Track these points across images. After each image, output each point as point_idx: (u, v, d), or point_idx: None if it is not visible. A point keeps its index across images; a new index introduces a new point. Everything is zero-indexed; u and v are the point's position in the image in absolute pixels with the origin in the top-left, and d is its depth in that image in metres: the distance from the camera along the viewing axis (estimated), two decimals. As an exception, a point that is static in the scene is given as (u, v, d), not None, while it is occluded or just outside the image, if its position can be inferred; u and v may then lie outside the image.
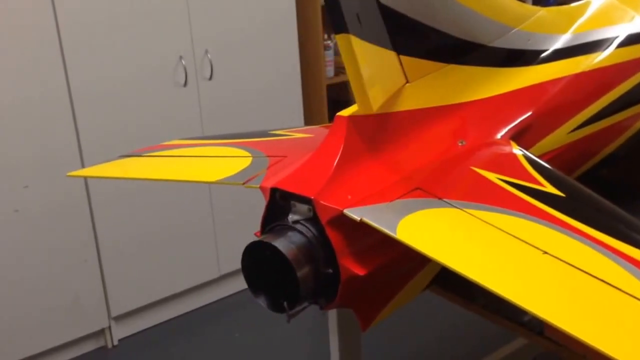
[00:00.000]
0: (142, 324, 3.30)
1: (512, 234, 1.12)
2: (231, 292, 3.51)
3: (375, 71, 1.22)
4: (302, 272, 1.15)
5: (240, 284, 3.43)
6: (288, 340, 3.11)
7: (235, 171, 1.40)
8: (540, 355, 2.63)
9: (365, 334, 1.36)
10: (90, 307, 3.08)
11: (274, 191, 1.22)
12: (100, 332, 3.18)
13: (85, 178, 2.87)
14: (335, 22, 1.13)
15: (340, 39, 1.15)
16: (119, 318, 3.20)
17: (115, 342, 3.21)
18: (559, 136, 1.49)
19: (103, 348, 3.19)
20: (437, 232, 1.13)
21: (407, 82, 1.30)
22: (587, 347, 0.89)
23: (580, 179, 1.54)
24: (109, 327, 3.18)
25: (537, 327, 1.49)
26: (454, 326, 3.07)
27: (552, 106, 1.49)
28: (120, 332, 3.23)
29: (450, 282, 1.38)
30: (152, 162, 1.68)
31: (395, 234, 1.08)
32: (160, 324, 3.34)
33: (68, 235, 2.93)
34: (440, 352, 3.01)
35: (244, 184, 1.34)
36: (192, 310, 3.43)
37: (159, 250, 3.22)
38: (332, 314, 1.94)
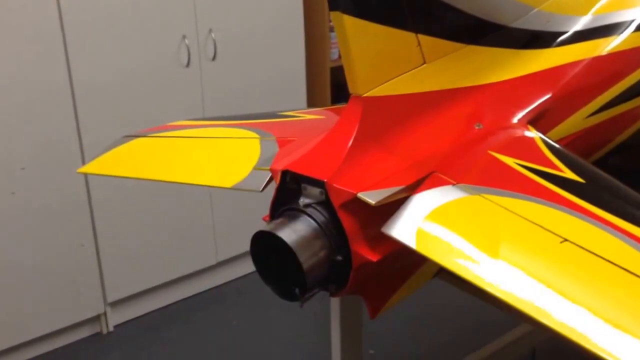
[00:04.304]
0: (138, 310, 3.26)
1: (532, 220, 1.09)
2: (228, 279, 3.46)
3: (375, 51, 1.18)
4: (308, 263, 1.12)
5: (237, 271, 3.40)
6: (286, 328, 3.08)
7: (247, 171, 1.36)
8: (540, 343, 2.61)
9: (367, 320, 1.33)
10: (86, 293, 3.03)
11: (284, 174, 1.19)
12: (96, 318, 3.13)
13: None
14: None
15: (333, 16, 1.11)
16: (115, 304, 3.15)
17: (111, 328, 3.16)
18: (576, 121, 1.46)
19: (98, 334, 3.15)
20: (456, 237, 1.10)
21: (425, 62, 1.26)
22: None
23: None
24: (105, 313, 3.13)
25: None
26: (454, 314, 3.05)
27: (570, 90, 1.45)
28: (116, 318, 3.19)
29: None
30: (161, 156, 1.62)
31: (415, 244, 1.07)
32: (157, 310, 3.29)
33: (65, 219, 2.88)
34: (440, 339, 2.98)
35: (261, 190, 1.31)
36: (189, 297, 3.38)
37: (156, 235, 3.17)
38: (334, 299, 1.92)
